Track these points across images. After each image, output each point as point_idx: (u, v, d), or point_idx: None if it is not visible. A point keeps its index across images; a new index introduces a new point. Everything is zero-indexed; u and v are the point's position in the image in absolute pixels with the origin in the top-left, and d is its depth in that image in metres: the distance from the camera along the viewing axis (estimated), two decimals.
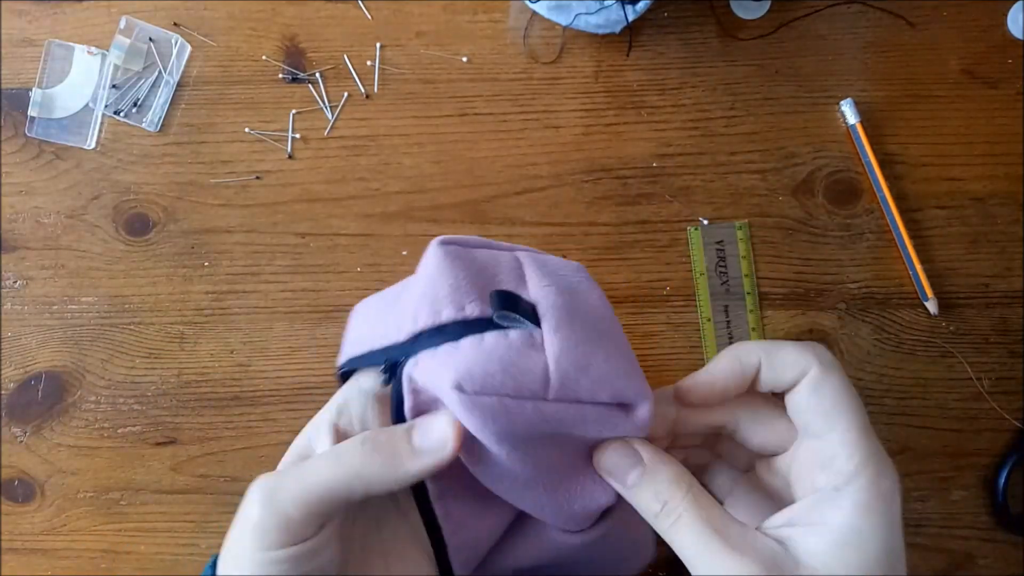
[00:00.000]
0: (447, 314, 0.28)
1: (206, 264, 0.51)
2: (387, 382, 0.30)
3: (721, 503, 0.29)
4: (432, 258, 0.31)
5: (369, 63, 0.52)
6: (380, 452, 0.28)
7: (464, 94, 0.52)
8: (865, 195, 0.51)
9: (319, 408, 0.33)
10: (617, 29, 0.50)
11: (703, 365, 0.50)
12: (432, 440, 0.28)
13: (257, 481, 0.29)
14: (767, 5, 0.52)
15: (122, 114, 0.52)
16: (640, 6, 0.48)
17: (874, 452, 0.26)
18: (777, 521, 0.27)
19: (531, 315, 0.28)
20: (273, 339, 0.50)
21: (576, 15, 0.49)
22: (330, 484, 0.28)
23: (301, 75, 0.52)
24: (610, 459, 0.29)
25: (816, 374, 0.28)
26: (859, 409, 0.27)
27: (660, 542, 0.46)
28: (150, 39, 0.52)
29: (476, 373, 0.27)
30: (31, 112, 0.52)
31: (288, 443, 0.33)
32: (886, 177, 0.50)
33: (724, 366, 0.30)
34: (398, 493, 0.32)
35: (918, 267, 0.49)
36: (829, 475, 0.26)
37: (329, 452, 0.29)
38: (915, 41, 0.52)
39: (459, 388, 0.26)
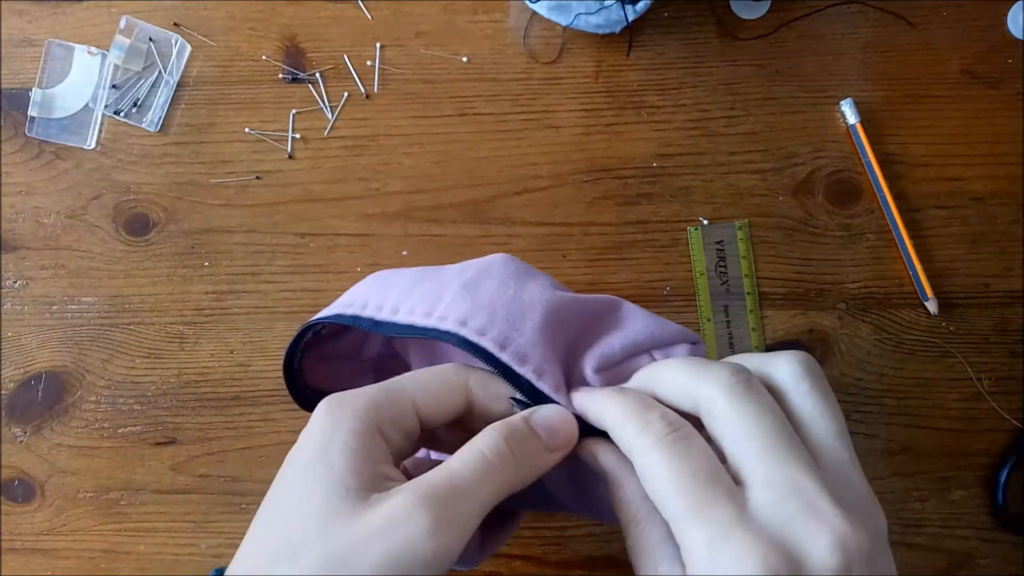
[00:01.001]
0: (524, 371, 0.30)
1: (206, 264, 0.51)
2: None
3: None
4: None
5: (369, 63, 0.52)
6: (523, 459, 0.27)
7: (464, 94, 0.52)
8: (865, 195, 0.51)
9: None
10: (617, 29, 0.50)
11: None
12: (561, 438, 0.28)
13: (426, 504, 0.25)
14: (767, 5, 0.52)
15: (122, 114, 0.52)
16: (640, 6, 0.48)
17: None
18: None
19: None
20: (273, 339, 0.50)
21: (576, 15, 0.49)
22: (490, 500, 0.26)
23: (301, 75, 0.52)
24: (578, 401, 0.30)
25: (716, 407, 0.27)
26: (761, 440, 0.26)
27: None
28: (150, 39, 0.52)
29: None
30: (31, 112, 0.52)
31: (289, 443, 0.33)
32: (886, 177, 0.50)
33: (604, 394, 0.31)
34: None
35: (918, 267, 0.49)
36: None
37: (478, 466, 0.27)
38: (915, 41, 0.52)
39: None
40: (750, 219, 0.51)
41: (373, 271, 0.51)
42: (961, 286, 0.50)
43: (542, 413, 0.29)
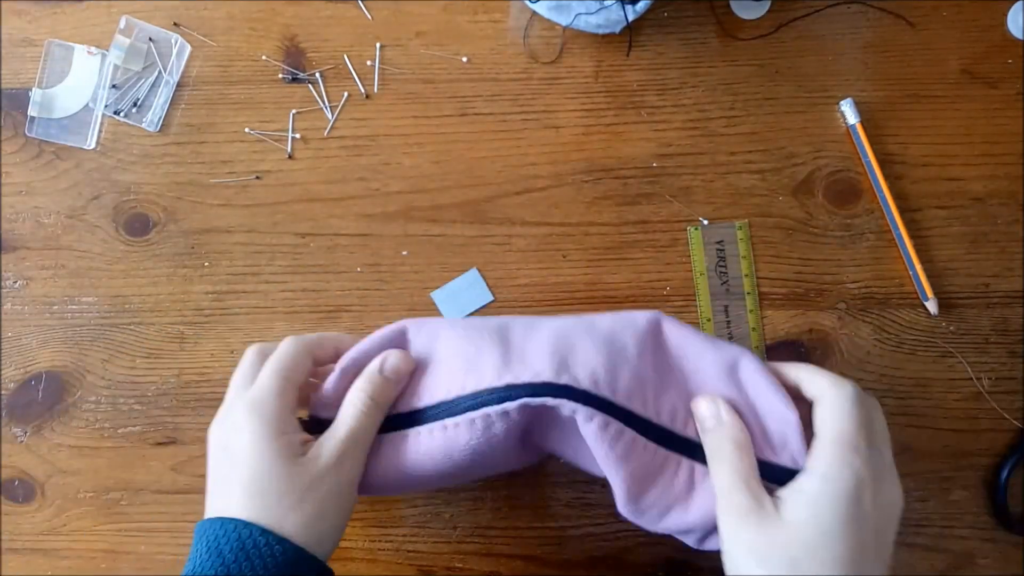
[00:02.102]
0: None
1: (206, 264, 0.51)
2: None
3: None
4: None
5: (369, 63, 0.52)
6: (383, 399, 0.40)
7: (464, 94, 0.52)
8: (865, 195, 0.51)
9: None
10: (617, 29, 0.50)
11: None
12: (403, 375, 0.40)
13: (346, 453, 0.38)
14: (767, 5, 0.52)
15: (122, 114, 0.52)
16: (640, 6, 0.48)
17: (839, 454, 0.35)
18: (784, 492, 0.36)
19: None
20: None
21: (576, 15, 0.49)
22: (372, 435, 0.40)
23: (301, 75, 0.52)
24: (700, 407, 0.38)
25: (826, 398, 0.37)
26: (845, 425, 0.36)
27: (663, 544, 0.46)
28: (150, 39, 0.52)
29: None
30: (31, 112, 0.52)
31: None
32: (886, 177, 0.50)
33: (781, 367, 0.41)
34: None
35: (918, 267, 0.49)
36: (812, 458, 0.36)
37: (361, 417, 0.38)
38: (915, 41, 0.52)
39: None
40: (750, 219, 0.51)
41: (373, 271, 0.51)
42: (961, 286, 0.50)
43: (390, 361, 0.39)
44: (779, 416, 0.38)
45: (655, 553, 0.48)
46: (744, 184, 0.51)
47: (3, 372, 0.51)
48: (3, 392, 0.50)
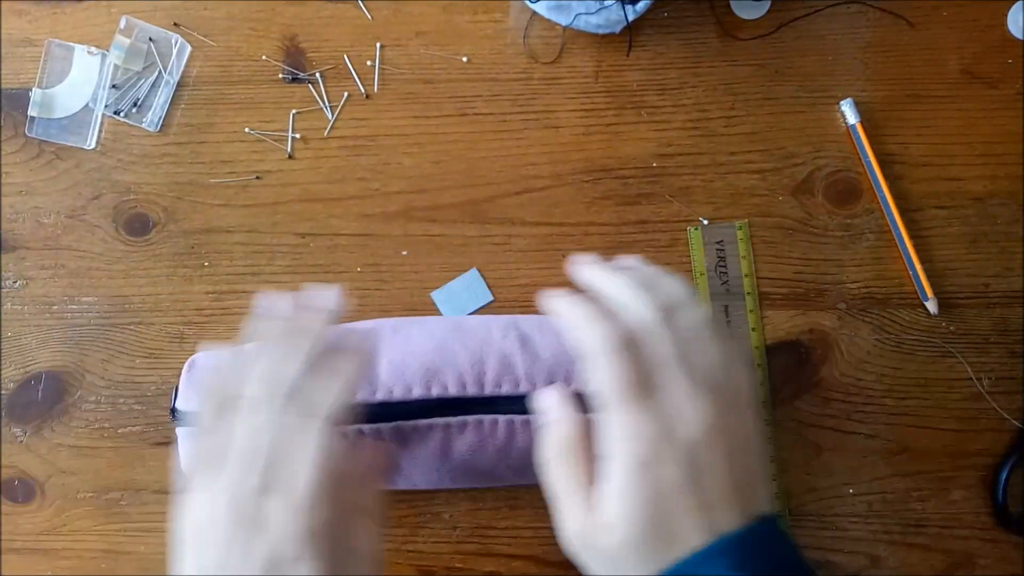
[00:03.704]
0: None
1: (206, 264, 0.51)
2: None
3: None
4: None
5: (369, 63, 0.52)
6: None
7: (464, 94, 0.52)
8: (865, 195, 0.51)
9: None
10: (617, 29, 0.50)
11: None
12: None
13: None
14: (767, 5, 0.52)
15: (122, 114, 0.52)
16: (640, 6, 0.48)
17: (616, 419, 0.31)
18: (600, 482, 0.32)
19: None
20: None
21: (576, 15, 0.49)
22: None
23: (301, 75, 0.52)
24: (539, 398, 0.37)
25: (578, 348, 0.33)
26: (611, 375, 0.31)
27: None
28: (150, 39, 0.52)
29: None
30: (31, 112, 0.52)
31: None
32: (886, 177, 0.50)
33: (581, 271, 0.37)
34: None
35: (918, 267, 0.49)
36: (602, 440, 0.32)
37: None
38: (915, 41, 0.52)
39: None
40: (750, 219, 0.51)
41: (373, 271, 0.51)
42: (961, 286, 0.50)
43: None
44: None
45: None
46: (744, 184, 0.51)
47: (3, 372, 0.51)
48: (3, 392, 0.50)
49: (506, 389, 0.41)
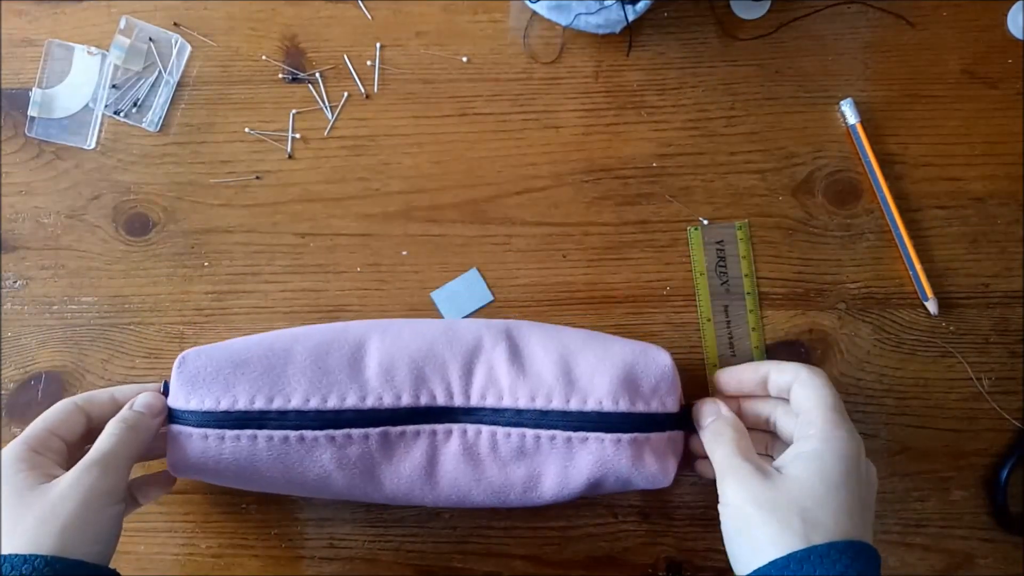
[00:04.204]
0: None
1: (206, 264, 0.51)
2: None
3: (772, 457, 0.44)
4: None
5: (369, 63, 0.52)
6: (140, 427, 0.42)
7: (464, 94, 0.52)
8: (865, 195, 0.51)
9: None
10: (617, 29, 0.50)
11: (703, 365, 0.50)
12: (157, 409, 0.43)
13: (94, 465, 0.40)
14: (767, 5, 0.52)
15: (122, 114, 0.52)
16: (640, 6, 0.48)
17: (833, 419, 0.40)
18: (781, 459, 0.40)
19: None
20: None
21: (576, 15, 0.49)
22: (131, 455, 0.42)
23: (301, 75, 0.52)
24: (699, 408, 0.44)
25: (802, 377, 0.42)
26: (828, 398, 0.40)
27: (663, 543, 0.46)
28: (150, 39, 0.52)
29: None
30: (31, 112, 0.52)
31: None
32: (886, 177, 0.50)
33: (746, 366, 0.45)
34: None
35: (918, 267, 0.49)
36: (804, 428, 0.40)
37: (112, 440, 0.41)
38: (915, 41, 0.52)
39: None
40: (750, 219, 0.51)
41: (373, 271, 0.51)
42: (961, 286, 0.50)
43: (140, 399, 0.43)
44: (648, 365, 0.43)
45: (655, 553, 0.48)
46: (744, 184, 0.51)
47: (3, 372, 0.51)
48: (3, 392, 0.50)
49: (490, 401, 0.42)
